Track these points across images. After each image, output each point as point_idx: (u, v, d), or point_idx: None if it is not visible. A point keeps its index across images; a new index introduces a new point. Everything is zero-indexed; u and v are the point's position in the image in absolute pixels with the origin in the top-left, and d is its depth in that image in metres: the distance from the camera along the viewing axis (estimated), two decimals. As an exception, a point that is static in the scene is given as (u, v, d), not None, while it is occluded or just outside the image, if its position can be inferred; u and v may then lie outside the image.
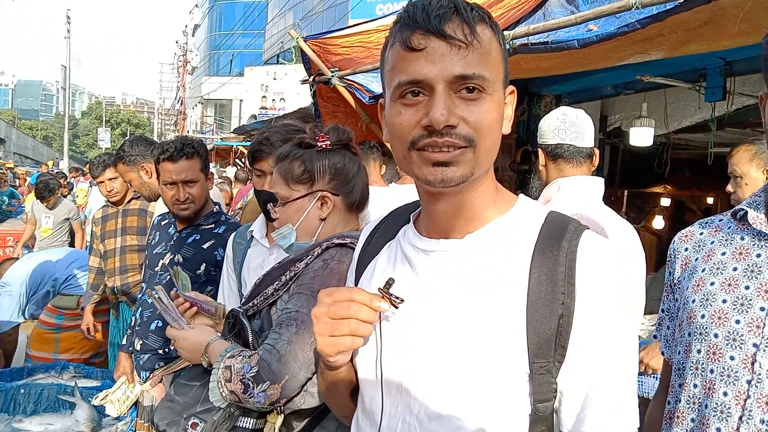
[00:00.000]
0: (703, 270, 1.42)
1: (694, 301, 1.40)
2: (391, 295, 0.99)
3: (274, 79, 26.74)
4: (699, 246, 1.48)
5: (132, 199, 4.05)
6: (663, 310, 1.58)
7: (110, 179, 4.00)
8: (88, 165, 5.97)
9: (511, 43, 2.95)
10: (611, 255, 1.01)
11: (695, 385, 1.36)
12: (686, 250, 1.51)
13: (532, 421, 0.99)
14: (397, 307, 0.99)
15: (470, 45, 0.94)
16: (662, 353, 1.55)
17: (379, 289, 0.99)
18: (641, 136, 4.95)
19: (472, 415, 0.98)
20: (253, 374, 1.48)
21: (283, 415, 1.57)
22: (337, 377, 1.16)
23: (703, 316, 1.36)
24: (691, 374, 1.37)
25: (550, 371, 0.97)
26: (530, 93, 5.39)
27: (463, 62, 0.93)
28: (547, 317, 0.96)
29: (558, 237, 1.01)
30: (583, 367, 0.97)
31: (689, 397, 1.38)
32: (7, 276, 4.88)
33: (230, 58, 40.72)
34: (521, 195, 1.12)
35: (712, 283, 1.37)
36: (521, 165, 5.42)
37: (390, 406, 1.06)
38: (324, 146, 1.72)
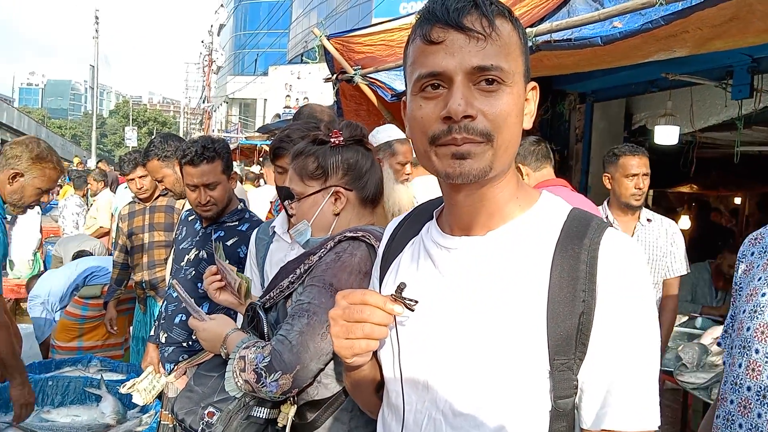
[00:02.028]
0: (759, 279, 1.33)
1: (744, 311, 1.32)
2: (405, 298, 0.99)
3: (298, 78, 26.87)
4: (765, 251, 1.38)
5: (159, 196, 4.11)
6: (731, 317, 1.47)
7: (140, 177, 4.05)
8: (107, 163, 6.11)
9: (533, 40, 2.94)
10: (633, 252, 1.00)
11: (731, 401, 1.30)
12: (752, 254, 1.41)
13: (552, 417, 1.00)
14: (412, 310, 0.99)
15: (489, 37, 0.95)
16: (724, 362, 1.45)
17: (391, 294, 1.00)
18: (666, 135, 4.89)
19: (494, 411, 1.00)
20: (265, 364, 1.51)
21: (296, 405, 1.60)
22: (360, 375, 1.18)
23: (748, 329, 1.28)
24: (730, 389, 1.30)
25: (570, 368, 0.97)
26: (554, 91, 5.36)
27: (481, 54, 0.95)
28: (568, 315, 0.96)
29: (580, 234, 1.01)
30: (605, 364, 0.97)
31: (726, 413, 1.31)
32: (34, 290, 5.18)
33: (255, 58, 40.98)
34: (544, 191, 1.12)
35: (764, 294, 1.29)
36: (544, 163, 5.38)
37: (416, 402, 1.07)
38: (337, 142, 1.74)
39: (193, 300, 1.90)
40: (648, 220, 3.61)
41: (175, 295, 2.71)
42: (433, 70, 0.96)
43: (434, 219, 1.17)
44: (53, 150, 2.87)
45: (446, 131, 0.95)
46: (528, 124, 1.05)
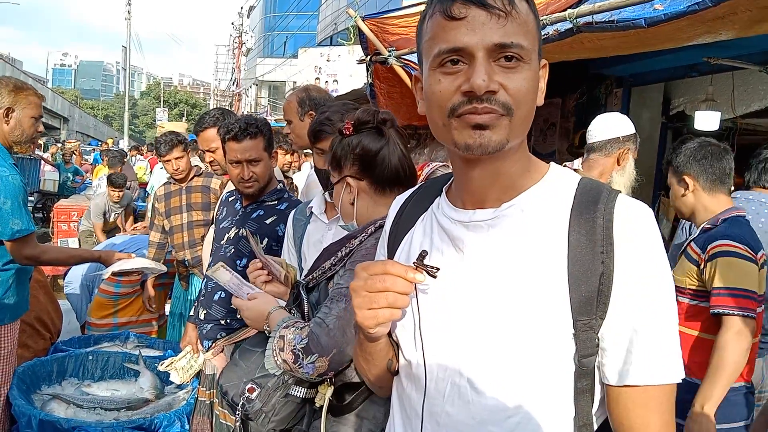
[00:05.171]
0: None
1: None
2: (426, 265, 1.00)
3: (328, 60, 26.81)
4: None
5: (194, 176, 4.18)
6: None
7: (176, 158, 4.12)
8: (147, 145, 6.14)
9: (575, 21, 2.89)
10: (646, 214, 1.04)
11: None
12: None
13: (577, 376, 1.03)
14: (435, 277, 1.01)
15: (509, 14, 0.96)
16: None
17: (413, 262, 1.01)
18: (707, 121, 4.78)
19: (520, 375, 1.03)
20: (302, 345, 1.54)
21: (333, 386, 1.63)
22: (376, 348, 1.19)
23: None
24: None
25: (592, 328, 1.01)
26: (590, 75, 5.26)
27: (502, 31, 0.96)
28: (589, 277, 1.00)
29: (594, 200, 1.04)
30: (625, 321, 1.00)
31: None
32: (69, 276, 5.37)
33: (284, 40, 41.02)
34: (552, 163, 1.15)
35: None
36: (579, 149, 5.32)
37: (437, 370, 1.09)
38: (347, 132, 1.74)
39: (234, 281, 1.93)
40: None
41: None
42: (455, 46, 0.97)
43: (443, 194, 1.19)
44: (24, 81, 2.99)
45: (466, 102, 0.97)
46: (540, 100, 1.06)
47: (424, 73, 1.06)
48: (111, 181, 7.24)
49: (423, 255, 1.01)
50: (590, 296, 0.99)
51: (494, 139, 0.98)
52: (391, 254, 1.26)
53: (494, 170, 1.05)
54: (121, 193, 7.26)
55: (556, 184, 1.09)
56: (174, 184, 4.21)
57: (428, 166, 3.19)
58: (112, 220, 7.39)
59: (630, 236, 1.00)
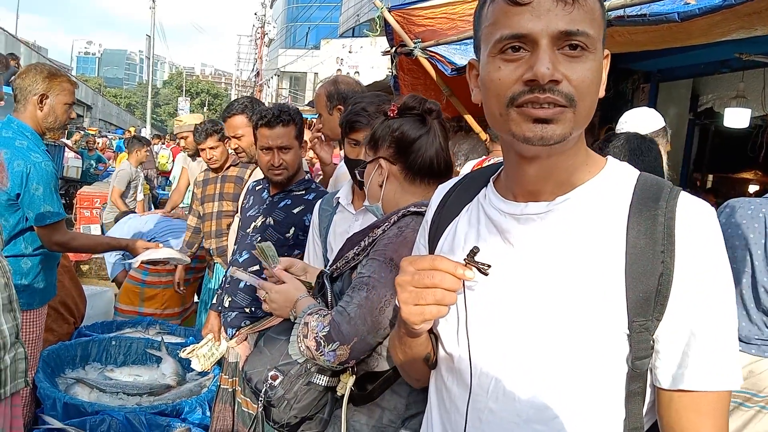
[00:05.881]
0: None
1: None
2: (478, 262, 0.97)
3: (350, 52, 26.86)
4: None
5: (230, 166, 4.20)
6: None
7: (211, 147, 4.15)
8: (170, 134, 6.26)
9: (606, 15, 2.85)
10: (709, 214, 1.00)
11: None
12: None
13: (629, 378, 0.99)
14: (486, 275, 0.97)
15: (576, 1, 0.93)
16: None
17: (464, 259, 0.98)
18: (737, 118, 4.71)
19: (570, 375, 0.99)
20: (324, 333, 1.54)
21: (355, 375, 1.62)
22: (417, 342, 1.17)
23: None
24: None
25: (648, 329, 0.97)
26: (617, 69, 5.20)
27: (568, 18, 0.92)
28: (647, 276, 0.96)
29: (655, 197, 1.00)
30: (683, 324, 0.96)
31: None
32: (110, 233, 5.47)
33: (306, 31, 41.04)
34: (610, 157, 1.10)
35: None
36: (605, 144, 5.25)
37: (482, 366, 1.07)
38: (391, 114, 1.73)
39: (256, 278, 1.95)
40: None
41: (241, 260, 2.77)
42: (518, 32, 0.93)
43: (491, 184, 1.15)
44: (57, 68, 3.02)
45: (527, 91, 0.93)
46: (602, 92, 1.02)
47: (481, 60, 1.02)
48: (137, 138, 7.32)
49: (474, 251, 0.97)
50: (648, 297, 0.96)
51: (558, 132, 0.94)
52: (432, 244, 1.23)
53: (551, 164, 1.01)
54: (147, 152, 7.42)
55: (615, 179, 1.05)
56: (212, 172, 4.25)
57: (489, 160, 3.18)
58: (139, 190, 7.46)
59: (690, 234, 0.97)
